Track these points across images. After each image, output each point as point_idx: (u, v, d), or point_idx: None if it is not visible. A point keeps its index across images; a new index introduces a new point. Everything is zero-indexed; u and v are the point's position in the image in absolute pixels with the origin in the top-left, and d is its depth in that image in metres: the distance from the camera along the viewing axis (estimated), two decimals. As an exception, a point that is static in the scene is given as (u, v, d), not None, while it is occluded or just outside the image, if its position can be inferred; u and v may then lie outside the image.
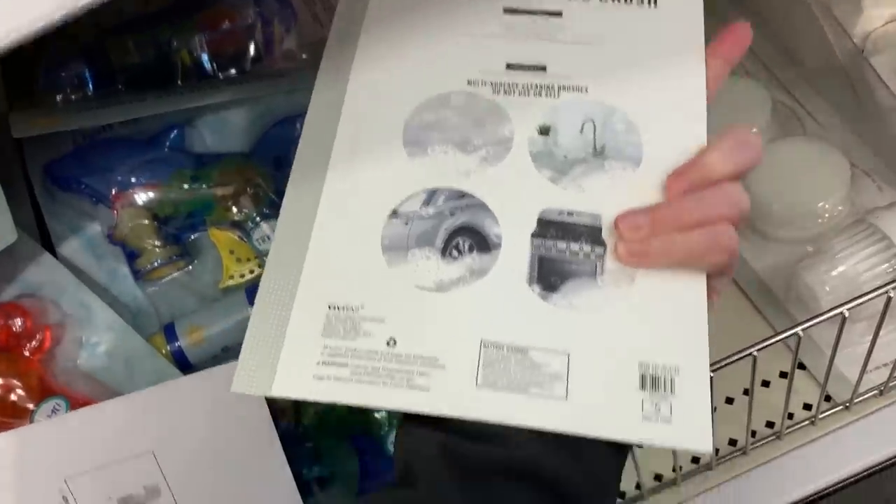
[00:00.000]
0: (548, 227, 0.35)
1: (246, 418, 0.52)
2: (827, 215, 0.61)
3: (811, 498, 0.54)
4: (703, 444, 0.31)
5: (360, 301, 0.35)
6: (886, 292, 0.42)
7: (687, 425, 0.31)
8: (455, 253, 0.36)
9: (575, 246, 0.35)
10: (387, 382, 0.33)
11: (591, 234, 0.35)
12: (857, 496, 0.57)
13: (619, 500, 0.56)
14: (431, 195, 0.37)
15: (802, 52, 0.70)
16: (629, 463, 0.42)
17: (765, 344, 0.42)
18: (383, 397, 0.33)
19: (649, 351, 0.33)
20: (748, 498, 0.55)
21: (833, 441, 0.55)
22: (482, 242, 0.36)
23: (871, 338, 0.52)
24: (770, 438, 0.56)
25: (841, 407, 0.56)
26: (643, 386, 0.32)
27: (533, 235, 0.35)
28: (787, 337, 0.42)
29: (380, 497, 0.39)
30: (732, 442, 0.56)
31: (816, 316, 0.42)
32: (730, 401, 0.59)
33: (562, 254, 0.35)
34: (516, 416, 0.32)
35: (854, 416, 0.56)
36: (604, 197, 0.36)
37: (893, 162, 0.64)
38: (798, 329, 0.42)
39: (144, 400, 0.52)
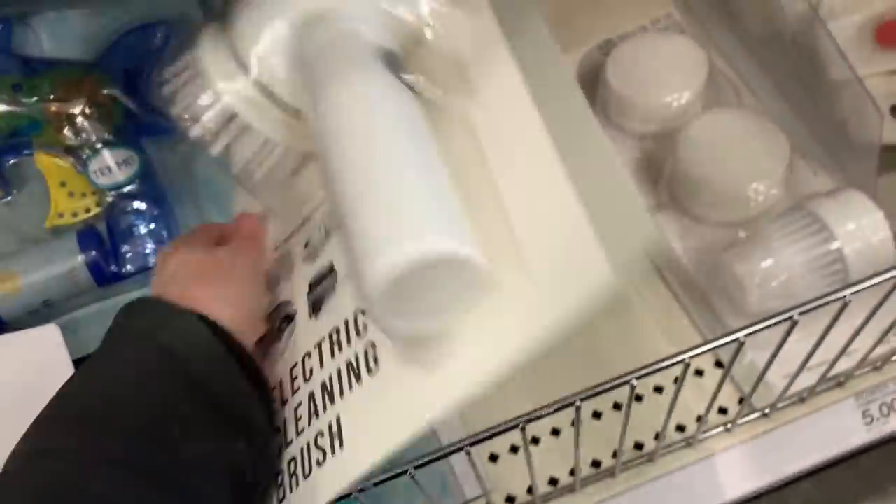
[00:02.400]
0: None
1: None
2: (761, 198, 0.54)
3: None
4: None
5: None
6: (844, 297, 0.36)
7: None
8: None
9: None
10: None
11: None
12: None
13: (528, 496, 0.49)
14: None
15: (747, 17, 0.63)
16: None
17: (699, 351, 0.35)
18: None
19: None
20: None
21: (749, 450, 0.50)
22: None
23: (795, 337, 0.47)
24: (679, 445, 0.49)
25: (759, 413, 0.50)
26: None
27: None
28: (726, 344, 0.35)
29: None
30: (639, 446, 0.50)
31: (763, 320, 0.35)
32: (639, 398, 0.52)
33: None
34: None
35: (772, 424, 0.50)
36: None
37: (834, 144, 0.58)
38: (740, 335, 0.35)
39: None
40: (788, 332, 0.36)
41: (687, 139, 0.56)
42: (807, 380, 0.49)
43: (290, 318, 0.40)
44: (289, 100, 0.36)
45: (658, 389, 0.52)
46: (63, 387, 0.34)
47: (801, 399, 0.50)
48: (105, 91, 0.52)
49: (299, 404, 0.36)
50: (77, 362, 0.48)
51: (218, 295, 0.35)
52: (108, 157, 0.52)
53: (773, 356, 0.39)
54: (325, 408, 0.35)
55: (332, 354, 0.36)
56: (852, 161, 0.55)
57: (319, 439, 0.34)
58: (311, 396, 0.36)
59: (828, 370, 0.46)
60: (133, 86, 0.54)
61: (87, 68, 0.53)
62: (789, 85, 0.61)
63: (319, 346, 0.37)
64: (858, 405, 0.51)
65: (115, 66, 0.54)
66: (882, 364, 0.50)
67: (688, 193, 0.56)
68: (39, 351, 0.45)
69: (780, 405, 0.49)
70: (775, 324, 0.35)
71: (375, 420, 0.32)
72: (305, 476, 0.34)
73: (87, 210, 0.52)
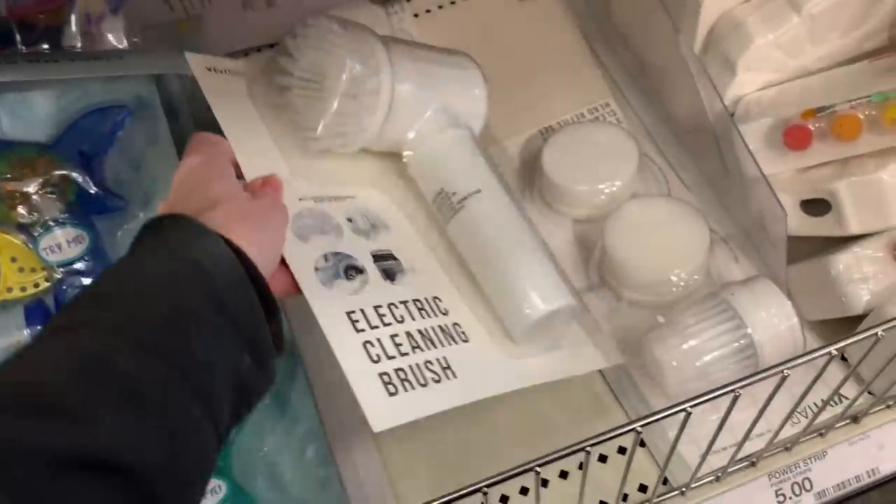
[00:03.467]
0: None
1: None
2: (682, 284, 0.57)
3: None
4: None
5: None
6: (734, 390, 0.39)
7: None
8: None
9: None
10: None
11: None
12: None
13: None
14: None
15: (677, 110, 0.68)
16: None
17: (599, 440, 0.37)
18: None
19: None
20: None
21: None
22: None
23: (712, 418, 0.49)
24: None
25: (677, 492, 0.52)
26: None
27: None
28: (623, 434, 0.37)
29: None
30: (561, 524, 0.52)
31: (658, 412, 0.38)
32: (563, 475, 0.55)
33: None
34: None
35: (690, 501, 0.52)
36: None
37: (752, 233, 0.62)
38: (636, 425, 0.37)
39: None
40: (684, 424, 0.39)
41: (613, 225, 0.60)
42: (722, 459, 0.52)
43: (359, 270, 0.49)
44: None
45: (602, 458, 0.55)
46: (95, 280, 0.37)
47: (717, 478, 0.53)
48: (59, 171, 0.55)
49: (395, 335, 0.47)
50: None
51: (254, 239, 0.40)
52: (59, 234, 0.54)
53: (675, 444, 0.42)
54: (428, 347, 0.47)
55: (422, 315, 0.49)
56: (766, 250, 0.59)
57: (429, 366, 0.46)
58: (409, 334, 0.47)
59: (736, 452, 0.49)
60: (87, 166, 0.56)
61: (44, 148, 0.56)
62: (714, 176, 0.65)
63: (405, 303, 0.49)
64: (771, 484, 0.53)
65: (71, 146, 0.56)
66: (792, 445, 0.53)
67: (615, 276, 0.60)
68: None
69: (694, 484, 0.52)
70: (668, 415, 0.38)
71: (477, 372, 0.49)
72: (423, 385, 0.45)
73: (36, 285, 0.54)
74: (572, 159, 0.64)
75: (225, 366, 0.35)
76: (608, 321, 0.60)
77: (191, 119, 0.63)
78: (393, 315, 0.48)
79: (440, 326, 0.49)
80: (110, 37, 0.59)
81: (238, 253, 0.38)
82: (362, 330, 0.45)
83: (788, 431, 0.52)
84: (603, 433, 0.37)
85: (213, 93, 0.51)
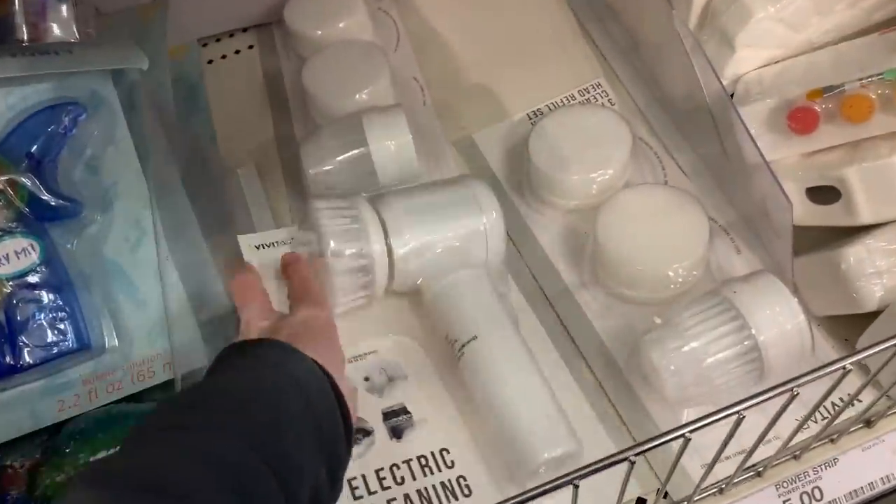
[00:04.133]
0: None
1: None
2: (681, 280, 0.54)
3: None
4: None
5: None
6: (738, 412, 0.35)
7: None
8: None
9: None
10: None
11: None
12: None
13: None
14: None
15: (672, 89, 0.63)
16: None
17: (587, 471, 0.33)
18: None
19: None
20: None
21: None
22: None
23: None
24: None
25: (678, 506, 0.49)
26: None
27: None
28: (615, 463, 0.34)
29: None
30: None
31: (655, 438, 0.34)
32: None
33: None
34: None
35: (692, 515, 0.49)
36: None
37: (755, 222, 0.58)
38: (630, 455, 0.33)
39: None
40: (683, 449, 0.35)
41: (606, 217, 0.56)
42: (726, 469, 0.48)
43: (366, 433, 0.51)
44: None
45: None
46: (191, 389, 0.41)
47: (720, 490, 0.49)
48: (6, 176, 0.51)
49: (392, 499, 0.48)
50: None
51: (329, 358, 0.43)
52: (8, 244, 0.50)
53: (674, 465, 0.38)
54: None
55: (425, 473, 0.49)
56: (770, 241, 0.55)
57: None
58: (407, 497, 0.48)
59: (743, 462, 0.45)
60: (38, 169, 0.52)
61: (-11, 152, 0.52)
62: (713, 161, 0.61)
63: (409, 462, 0.50)
64: (779, 495, 0.50)
65: (19, 148, 0.52)
66: (801, 452, 0.50)
67: (608, 272, 0.56)
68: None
69: (697, 497, 0.48)
70: (666, 442, 0.34)
71: None
72: None
73: (-16, 298, 0.50)
74: (561, 146, 0.60)
75: (310, 472, 0.37)
76: (601, 320, 0.56)
77: (152, 115, 0.59)
78: (394, 477, 0.49)
79: (442, 483, 0.49)
80: (57, 28, 0.55)
81: (325, 372, 0.42)
82: (360, 497, 0.48)
83: (797, 437, 0.48)
84: (593, 463, 0.34)
85: (261, 267, 0.53)
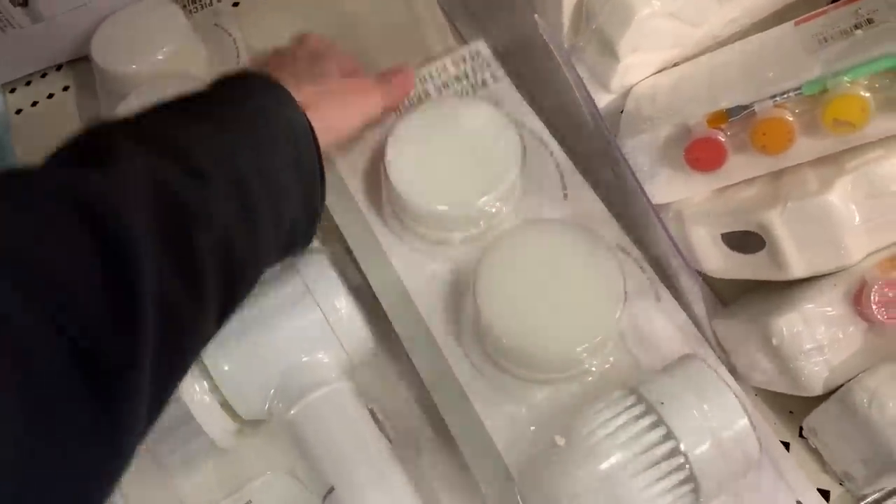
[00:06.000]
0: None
1: None
2: (593, 366, 0.43)
3: None
4: None
5: None
6: None
7: None
8: None
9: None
10: None
11: None
12: None
13: None
14: None
15: (549, 110, 0.51)
16: None
17: None
18: None
19: None
20: None
21: None
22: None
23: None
24: None
25: None
26: None
27: None
28: None
29: None
30: None
31: None
32: None
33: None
34: None
35: None
36: None
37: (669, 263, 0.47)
38: None
39: None
40: None
41: (486, 276, 0.42)
42: None
43: None
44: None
45: None
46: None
47: None
48: None
49: None
50: None
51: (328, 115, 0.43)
52: None
53: None
54: None
55: None
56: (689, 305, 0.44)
57: None
58: None
59: None
60: None
61: None
62: (613, 190, 0.49)
63: None
64: None
65: None
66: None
67: (497, 350, 0.44)
68: None
69: None
70: None
71: None
72: None
73: None
74: (427, 159, 0.46)
75: (293, 206, 0.39)
76: (490, 418, 0.44)
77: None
78: None
79: None
80: None
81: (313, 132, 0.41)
82: None
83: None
84: None
85: None
